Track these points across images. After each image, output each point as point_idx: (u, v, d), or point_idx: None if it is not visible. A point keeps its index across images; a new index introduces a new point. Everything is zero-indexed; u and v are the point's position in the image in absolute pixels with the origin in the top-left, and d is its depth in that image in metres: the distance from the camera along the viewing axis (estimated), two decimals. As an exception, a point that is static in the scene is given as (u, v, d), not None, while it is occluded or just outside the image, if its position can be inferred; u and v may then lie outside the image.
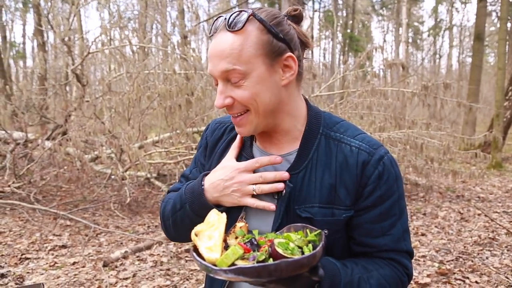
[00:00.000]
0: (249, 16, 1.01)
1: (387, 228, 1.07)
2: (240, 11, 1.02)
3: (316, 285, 0.95)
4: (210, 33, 1.06)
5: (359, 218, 1.07)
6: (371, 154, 1.06)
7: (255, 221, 1.11)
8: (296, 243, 0.90)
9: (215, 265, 0.87)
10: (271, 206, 1.05)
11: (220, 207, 1.08)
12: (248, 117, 1.05)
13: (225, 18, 1.02)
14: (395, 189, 1.08)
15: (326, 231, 0.94)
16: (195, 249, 0.94)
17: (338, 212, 1.05)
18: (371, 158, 1.06)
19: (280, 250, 0.85)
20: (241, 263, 0.86)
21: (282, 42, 1.03)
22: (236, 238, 0.97)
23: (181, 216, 1.14)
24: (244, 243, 0.92)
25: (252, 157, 1.14)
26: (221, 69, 1.00)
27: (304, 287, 0.92)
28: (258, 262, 0.85)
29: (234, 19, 1.01)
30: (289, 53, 1.05)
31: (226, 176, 1.08)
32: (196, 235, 0.95)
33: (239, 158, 1.17)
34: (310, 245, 0.92)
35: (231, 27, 1.00)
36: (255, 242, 0.93)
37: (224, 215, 0.99)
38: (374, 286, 1.03)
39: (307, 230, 0.96)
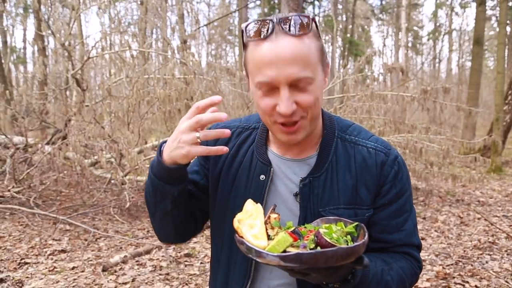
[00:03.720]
0: (312, 21, 0.99)
1: (401, 223, 1.13)
2: (297, 15, 0.98)
3: (349, 275, 0.97)
4: (253, 37, 0.99)
5: (376, 215, 1.12)
6: (387, 154, 1.12)
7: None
8: (336, 234, 0.91)
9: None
10: (224, 148, 1.02)
11: (177, 165, 1.04)
12: (303, 123, 1.03)
13: (280, 22, 0.97)
14: (407, 187, 1.15)
15: (362, 224, 0.96)
16: (240, 236, 0.94)
17: (361, 212, 1.10)
18: (387, 158, 1.12)
19: (327, 239, 0.86)
20: (293, 250, 0.86)
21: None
22: (272, 228, 0.97)
23: (149, 189, 1.12)
24: (290, 232, 0.93)
25: (268, 162, 1.15)
26: (291, 75, 0.96)
27: (341, 277, 0.95)
28: (310, 249, 0.86)
29: (296, 24, 0.97)
30: (328, 59, 1.08)
31: (174, 133, 1.04)
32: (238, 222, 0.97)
33: (253, 162, 1.17)
34: (349, 237, 0.93)
35: (296, 31, 0.96)
36: (298, 232, 0.94)
37: (259, 205, 1.02)
38: (395, 277, 1.07)
39: (340, 222, 0.98)
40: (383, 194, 1.11)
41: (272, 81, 0.97)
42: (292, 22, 0.97)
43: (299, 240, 0.90)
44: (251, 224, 0.95)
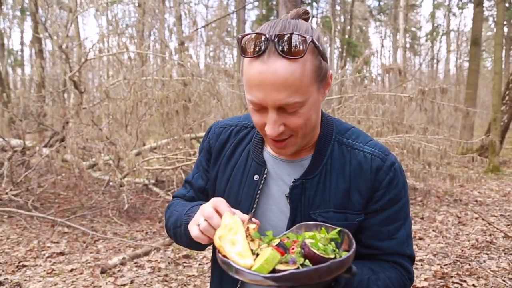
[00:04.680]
0: (309, 42, 0.93)
1: (392, 231, 1.10)
2: (293, 34, 0.92)
3: (333, 282, 0.95)
4: (248, 53, 0.95)
5: (367, 221, 1.09)
6: (384, 160, 1.09)
7: (268, 225, 1.12)
8: (321, 242, 0.89)
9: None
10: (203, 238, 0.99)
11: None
12: (293, 140, 1.03)
13: (274, 39, 0.92)
14: (402, 195, 1.11)
15: (346, 230, 0.93)
16: (224, 256, 0.88)
17: (351, 217, 1.08)
18: (383, 164, 1.09)
19: (315, 251, 0.83)
20: (283, 267, 0.82)
21: (325, 60, 1.00)
22: (253, 240, 0.93)
23: (180, 234, 1.15)
24: (276, 246, 0.88)
25: (263, 162, 1.14)
26: (279, 101, 0.94)
27: (325, 285, 0.92)
28: (300, 265, 0.83)
29: (291, 44, 0.91)
30: (330, 72, 1.04)
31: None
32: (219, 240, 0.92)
33: (248, 162, 1.17)
34: (333, 243, 0.90)
35: (289, 54, 0.91)
36: (283, 245, 0.89)
37: (236, 217, 0.96)
38: (381, 287, 1.05)
39: (323, 228, 0.96)
40: (375, 199, 1.09)
41: (260, 103, 0.96)
42: (287, 42, 0.91)
43: (286, 254, 0.86)
44: (232, 240, 0.90)
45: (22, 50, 28.30)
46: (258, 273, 0.80)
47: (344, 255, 0.84)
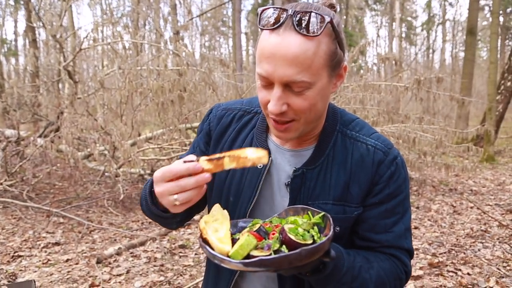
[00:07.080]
0: (327, 23, 0.91)
1: (390, 225, 1.09)
2: (314, 12, 0.91)
3: (321, 265, 0.95)
4: (265, 25, 0.94)
5: (365, 213, 1.09)
6: (386, 153, 1.08)
7: (267, 211, 1.12)
8: (303, 227, 0.90)
9: (228, 257, 0.85)
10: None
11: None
12: (295, 125, 1.01)
13: (293, 15, 0.91)
14: (402, 189, 1.10)
15: (329, 215, 0.93)
16: (204, 240, 0.90)
17: (350, 210, 1.07)
18: (386, 157, 1.08)
19: (292, 237, 0.85)
20: (257, 253, 0.85)
21: (342, 49, 0.99)
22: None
23: (146, 209, 1.12)
24: (254, 232, 0.90)
25: (268, 151, 1.12)
26: (287, 76, 0.92)
27: (311, 268, 0.93)
28: (274, 251, 0.85)
29: (309, 21, 0.91)
30: (345, 63, 1.02)
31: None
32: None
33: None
34: (316, 228, 0.91)
35: (306, 30, 0.90)
36: (263, 229, 0.91)
37: (225, 211, 0.99)
38: (374, 276, 1.04)
39: (309, 212, 0.96)
40: (375, 193, 1.08)
41: (267, 76, 0.94)
42: (306, 19, 0.91)
43: (263, 240, 0.88)
44: (216, 228, 0.93)
45: (15, 40, 28.05)
46: (231, 259, 0.84)
47: (320, 241, 0.86)
